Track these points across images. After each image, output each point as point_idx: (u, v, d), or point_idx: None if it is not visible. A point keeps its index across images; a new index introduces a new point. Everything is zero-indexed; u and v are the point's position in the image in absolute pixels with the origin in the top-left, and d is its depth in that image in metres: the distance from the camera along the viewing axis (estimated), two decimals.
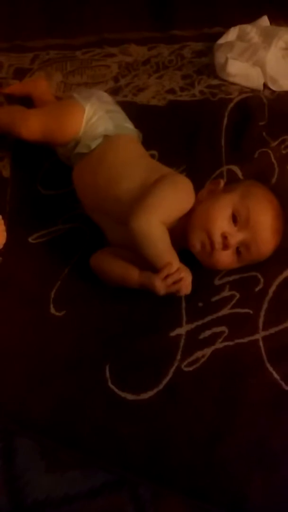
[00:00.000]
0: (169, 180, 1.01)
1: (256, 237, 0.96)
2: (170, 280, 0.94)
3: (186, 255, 0.99)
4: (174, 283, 0.94)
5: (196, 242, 0.97)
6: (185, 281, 0.95)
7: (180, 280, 0.94)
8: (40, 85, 1.34)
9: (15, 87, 1.36)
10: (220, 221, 0.95)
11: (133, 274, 0.98)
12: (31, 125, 1.13)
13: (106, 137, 1.10)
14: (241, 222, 0.96)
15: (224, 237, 0.94)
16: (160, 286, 0.95)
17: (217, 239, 0.95)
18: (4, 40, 1.51)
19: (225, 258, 0.97)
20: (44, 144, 1.17)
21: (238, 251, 0.97)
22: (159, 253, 0.95)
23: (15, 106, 1.26)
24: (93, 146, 1.09)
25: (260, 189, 1.01)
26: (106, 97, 1.19)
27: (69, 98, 1.17)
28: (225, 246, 0.95)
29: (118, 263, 1.00)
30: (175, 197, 0.99)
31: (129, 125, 1.15)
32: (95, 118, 1.11)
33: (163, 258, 0.95)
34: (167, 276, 0.94)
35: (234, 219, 0.96)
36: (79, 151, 1.10)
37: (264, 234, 0.96)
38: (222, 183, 1.03)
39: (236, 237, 0.95)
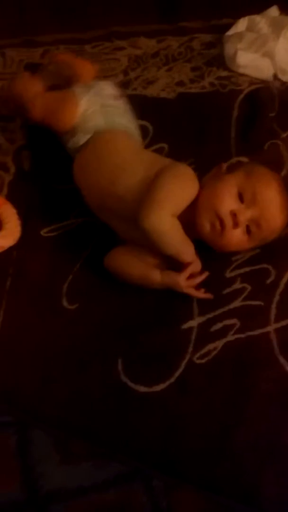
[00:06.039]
0: (170, 171, 1.00)
1: (264, 213, 0.96)
2: (195, 282, 0.98)
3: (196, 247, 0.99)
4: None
5: (206, 223, 0.97)
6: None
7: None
8: (88, 68, 1.30)
9: (68, 56, 1.33)
10: (228, 200, 0.95)
11: (155, 276, 0.99)
12: (35, 111, 1.15)
13: (96, 132, 1.10)
14: (247, 200, 0.96)
15: (233, 214, 0.95)
16: (184, 284, 0.97)
17: (227, 217, 0.95)
18: (14, 36, 1.52)
19: (236, 237, 0.97)
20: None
21: (248, 230, 0.97)
22: (176, 246, 0.96)
23: (32, 81, 1.24)
24: (81, 142, 1.10)
25: (263, 168, 1.01)
26: (109, 89, 1.18)
27: (68, 91, 1.17)
28: (236, 224, 0.95)
29: (136, 265, 1.00)
30: (180, 187, 0.98)
31: (123, 120, 1.14)
32: (89, 111, 1.11)
33: (183, 248, 0.96)
34: (191, 276, 0.97)
35: (240, 197, 0.96)
36: (70, 146, 1.12)
37: (272, 209, 0.96)
38: (224, 166, 1.03)
39: (245, 214, 0.95)
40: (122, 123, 1.14)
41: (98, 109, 1.12)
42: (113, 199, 1.02)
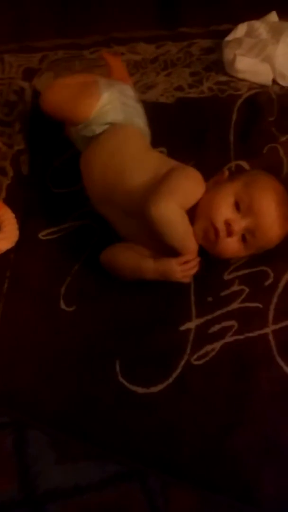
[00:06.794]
0: (180, 169, 1.01)
1: (260, 223, 0.95)
2: (187, 267, 0.97)
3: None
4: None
5: (200, 231, 0.97)
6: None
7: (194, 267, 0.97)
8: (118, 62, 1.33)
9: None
10: (223, 209, 0.95)
11: (148, 263, 0.98)
12: (49, 97, 1.14)
13: (112, 125, 1.10)
14: (244, 209, 0.96)
15: (228, 224, 0.95)
16: (178, 270, 0.96)
17: (221, 226, 0.95)
18: (13, 41, 1.52)
19: (231, 246, 0.97)
20: (59, 120, 1.17)
21: (244, 238, 0.97)
22: (182, 237, 0.96)
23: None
24: (97, 131, 1.10)
25: (264, 177, 1.01)
26: (129, 91, 1.18)
27: (93, 82, 1.15)
28: (229, 233, 0.95)
29: (130, 254, 1.00)
30: (188, 183, 0.99)
31: (140, 121, 1.15)
32: (109, 106, 1.10)
33: (187, 241, 0.96)
34: (186, 262, 0.96)
35: (237, 206, 0.96)
36: (84, 134, 1.11)
37: (268, 220, 0.96)
38: (226, 173, 1.03)
39: (240, 223, 0.95)
40: (140, 124, 1.14)
41: (119, 106, 1.11)
42: (119, 192, 1.02)
